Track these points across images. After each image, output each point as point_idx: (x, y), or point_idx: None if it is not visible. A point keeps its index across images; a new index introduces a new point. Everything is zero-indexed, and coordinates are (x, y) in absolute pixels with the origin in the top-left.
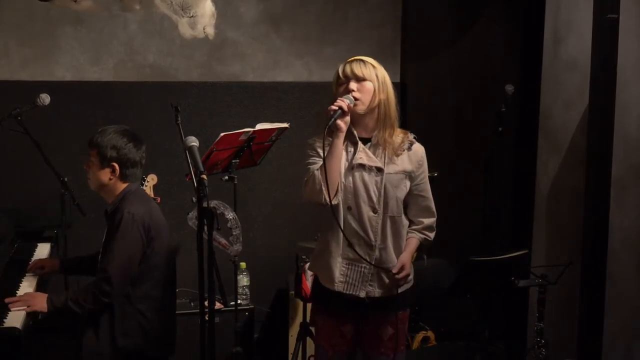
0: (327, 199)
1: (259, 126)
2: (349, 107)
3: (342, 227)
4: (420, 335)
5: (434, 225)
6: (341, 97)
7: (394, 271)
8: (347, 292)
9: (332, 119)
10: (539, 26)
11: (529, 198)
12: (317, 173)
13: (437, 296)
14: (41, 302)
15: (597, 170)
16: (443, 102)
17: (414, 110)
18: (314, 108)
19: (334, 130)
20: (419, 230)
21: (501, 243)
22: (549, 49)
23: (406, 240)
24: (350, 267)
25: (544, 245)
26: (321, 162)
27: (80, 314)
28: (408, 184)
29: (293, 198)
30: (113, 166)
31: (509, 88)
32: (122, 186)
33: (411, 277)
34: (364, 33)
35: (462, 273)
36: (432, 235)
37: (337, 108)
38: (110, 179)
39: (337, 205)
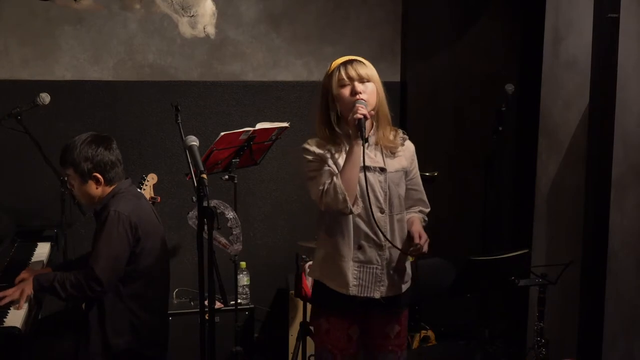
0: (351, 209)
1: (259, 125)
2: (369, 112)
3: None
4: (420, 335)
5: (427, 214)
6: (353, 102)
7: (415, 240)
8: (362, 294)
9: (364, 128)
10: (539, 26)
11: (529, 197)
12: (338, 182)
13: (437, 296)
14: (28, 285)
15: (597, 170)
16: (443, 102)
17: (414, 110)
18: (313, 107)
19: (353, 138)
20: (416, 212)
21: (501, 243)
22: (549, 49)
23: (408, 219)
24: (362, 269)
25: (544, 244)
26: (331, 169)
27: (63, 299)
28: (405, 180)
29: (293, 198)
30: (95, 177)
31: (509, 88)
32: (110, 189)
33: (410, 273)
34: (364, 32)
35: (462, 272)
36: (426, 220)
37: (361, 116)
38: (97, 189)
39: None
